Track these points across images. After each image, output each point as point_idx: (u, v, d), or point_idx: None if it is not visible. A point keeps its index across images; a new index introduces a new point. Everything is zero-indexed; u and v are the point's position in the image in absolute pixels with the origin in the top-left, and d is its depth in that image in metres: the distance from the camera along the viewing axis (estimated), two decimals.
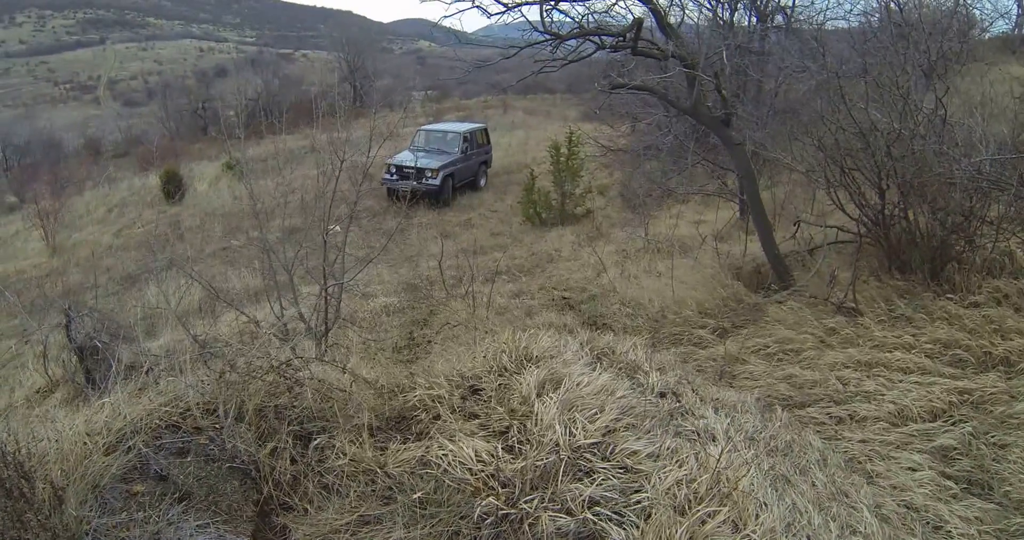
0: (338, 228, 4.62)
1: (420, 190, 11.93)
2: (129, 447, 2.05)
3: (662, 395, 3.03)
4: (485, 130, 15.57)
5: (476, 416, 2.51)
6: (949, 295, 4.20)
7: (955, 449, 2.94)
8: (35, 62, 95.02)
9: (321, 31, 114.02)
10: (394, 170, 12.99)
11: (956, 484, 2.73)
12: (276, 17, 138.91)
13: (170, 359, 2.77)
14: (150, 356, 3.77)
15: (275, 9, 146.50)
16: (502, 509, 1.91)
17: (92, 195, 16.71)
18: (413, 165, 12.69)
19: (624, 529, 1.86)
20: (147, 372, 2.38)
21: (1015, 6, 12.88)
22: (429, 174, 12.84)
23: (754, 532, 1.89)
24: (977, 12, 11.09)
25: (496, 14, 5.12)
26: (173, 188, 14.97)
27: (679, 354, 4.67)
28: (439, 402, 2.63)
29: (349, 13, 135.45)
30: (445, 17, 5.34)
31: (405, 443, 2.42)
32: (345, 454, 2.23)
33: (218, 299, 4.34)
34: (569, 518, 1.90)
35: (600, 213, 11.10)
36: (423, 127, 14.36)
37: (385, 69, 35.33)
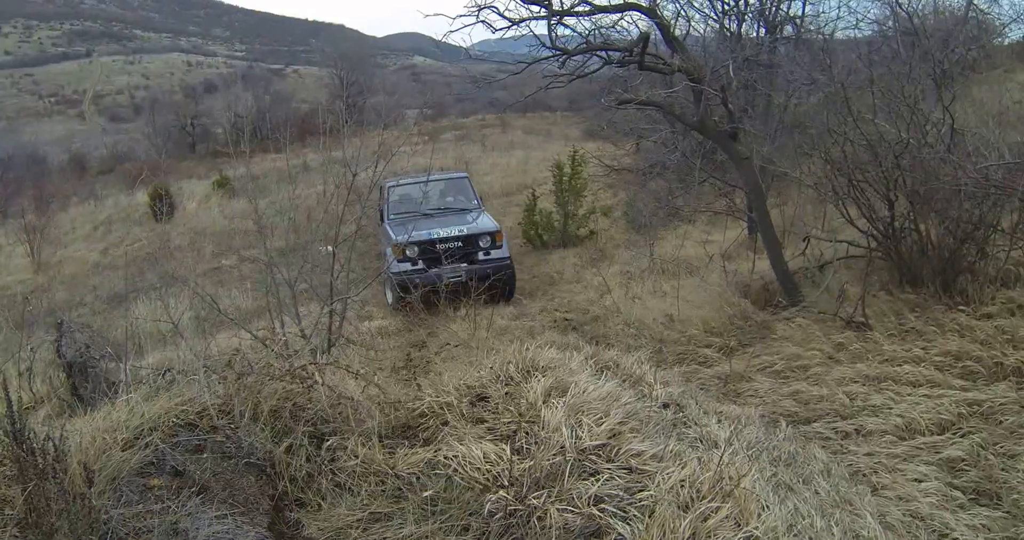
0: (330, 248, 4.83)
1: (476, 276, 7.07)
2: (146, 443, 2.24)
3: (665, 406, 3.21)
4: None
5: (484, 421, 2.70)
6: (961, 307, 4.36)
7: (963, 460, 3.08)
8: (19, 74, 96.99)
9: (313, 45, 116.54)
10: (415, 252, 7.61)
11: (963, 494, 2.86)
12: (267, 30, 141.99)
13: (183, 366, 2.97)
14: (152, 368, 3.96)
15: (266, 22, 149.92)
16: (511, 504, 2.09)
17: (78, 211, 17.06)
18: (455, 234, 7.77)
19: (629, 524, 2.03)
20: (163, 375, 2.57)
21: None
22: (486, 241, 7.85)
23: (756, 529, 2.06)
24: (995, 17, 11.36)
25: (501, 29, 5.45)
26: (163, 206, 15.30)
27: (684, 373, 4.84)
28: (447, 409, 2.83)
29: (341, 27, 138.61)
30: (451, 32, 5.64)
31: (413, 448, 2.61)
32: (357, 456, 2.41)
33: (219, 314, 4.53)
34: (575, 514, 2.07)
35: (604, 234, 11.34)
36: (393, 183, 9.14)
37: (379, 85, 36.15)
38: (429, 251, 7.62)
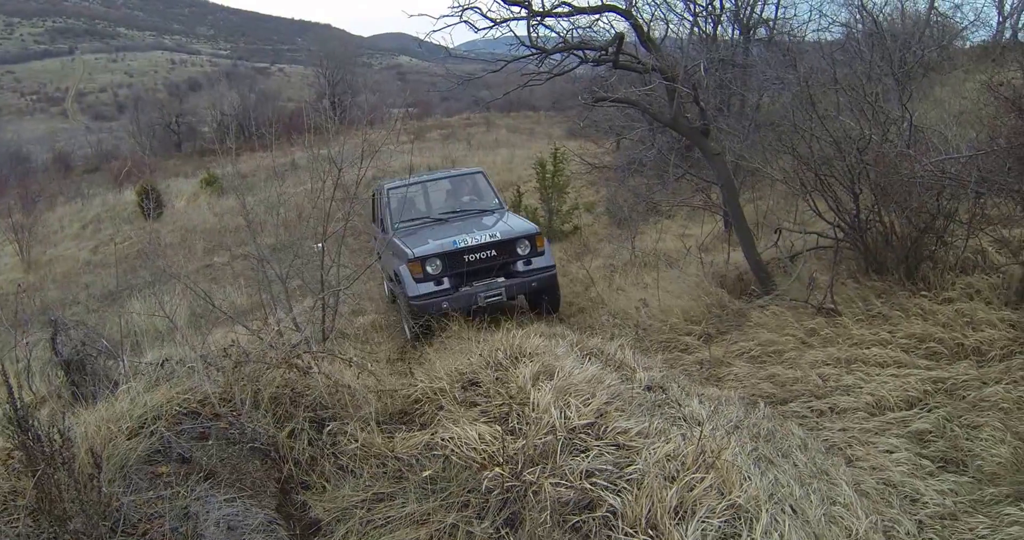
0: (321, 245, 4.83)
1: (519, 291, 6.24)
2: (151, 431, 2.25)
3: (649, 388, 3.29)
4: None
5: (476, 404, 2.75)
6: (923, 293, 4.50)
7: (930, 432, 3.21)
8: (0, 71, 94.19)
9: (299, 44, 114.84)
10: (437, 267, 5.94)
11: (932, 463, 2.99)
12: (252, 29, 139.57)
13: (180, 358, 2.96)
14: (149, 364, 3.94)
15: (251, 21, 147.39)
16: (507, 481, 2.14)
17: (65, 210, 16.73)
18: (486, 241, 6.10)
19: (619, 496, 2.10)
20: (161, 365, 2.57)
21: (995, 14, 13.42)
22: (525, 247, 6.21)
23: (739, 498, 2.14)
24: (956, 22, 11.63)
25: (483, 29, 5.47)
26: (152, 204, 15.05)
27: (666, 360, 4.93)
28: (441, 394, 2.88)
29: (328, 26, 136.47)
30: (433, 31, 5.64)
31: (411, 431, 2.65)
32: (357, 440, 2.45)
33: (214, 308, 4.51)
34: (569, 488, 2.13)
35: (587, 229, 11.44)
36: (392, 185, 7.33)
37: (364, 84, 35.87)
38: (455, 265, 6.00)
